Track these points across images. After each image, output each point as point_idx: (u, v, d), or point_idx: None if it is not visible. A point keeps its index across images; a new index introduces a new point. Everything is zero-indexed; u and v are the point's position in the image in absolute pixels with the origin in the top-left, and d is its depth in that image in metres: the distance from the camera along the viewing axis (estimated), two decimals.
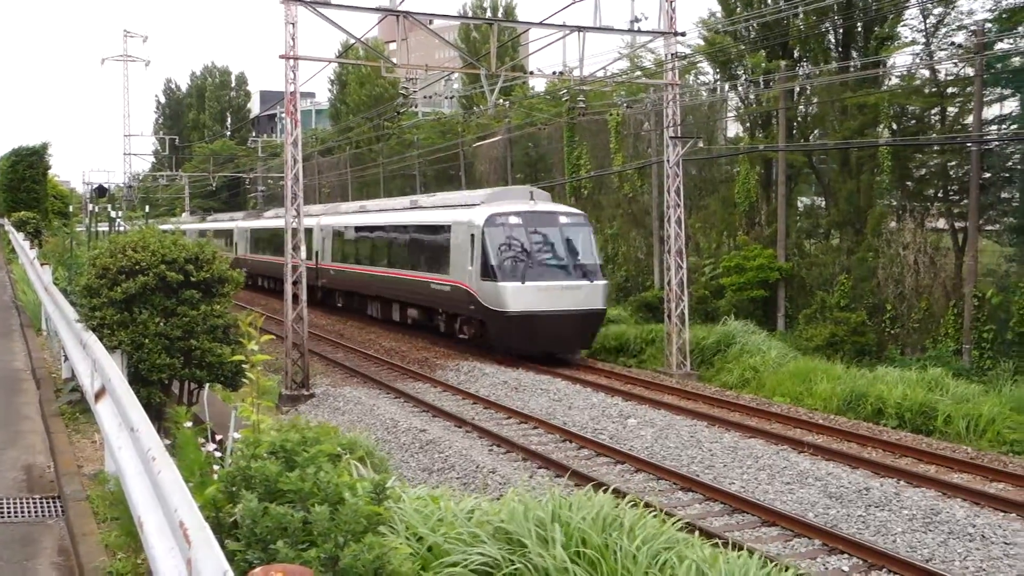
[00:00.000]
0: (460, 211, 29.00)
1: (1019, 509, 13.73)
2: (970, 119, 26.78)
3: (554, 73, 30.08)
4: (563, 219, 27.56)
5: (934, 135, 28.91)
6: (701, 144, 32.19)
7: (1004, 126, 27.67)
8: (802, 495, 14.44)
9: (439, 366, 26.99)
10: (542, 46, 28.04)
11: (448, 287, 28.54)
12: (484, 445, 17.98)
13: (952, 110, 29.18)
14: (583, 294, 26.29)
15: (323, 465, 5.87)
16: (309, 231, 41.13)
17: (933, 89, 29.10)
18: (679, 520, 8.40)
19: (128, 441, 7.04)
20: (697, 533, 9.71)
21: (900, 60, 32.27)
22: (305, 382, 23.95)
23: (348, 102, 74.15)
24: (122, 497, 6.94)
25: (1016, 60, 26.17)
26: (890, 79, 31.11)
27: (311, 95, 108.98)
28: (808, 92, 33.84)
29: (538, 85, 53.35)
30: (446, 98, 54.35)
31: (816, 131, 34.53)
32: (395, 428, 19.20)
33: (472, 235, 27.02)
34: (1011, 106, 27.56)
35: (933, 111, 29.67)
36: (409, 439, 18.27)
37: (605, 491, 8.48)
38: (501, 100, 39.56)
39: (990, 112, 27.92)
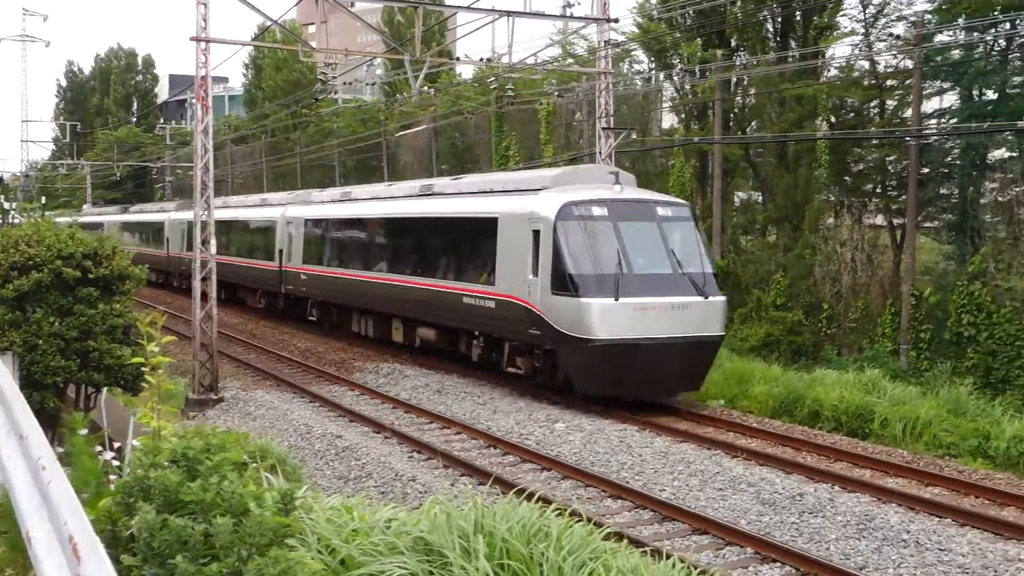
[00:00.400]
0: (513, 199, 23.36)
1: (954, 514, 14.08)
2: (909, 113, 27.35)
3: (482, 60, 30.05)
4: (662, 210, 22.03)
5: (873, 128, 29.52)
6: (635, 136, 32.46)
7: (943, 120, 28.35)
8: (734, 501, 14.64)
9: (357, 368, 26.87)
10: (470, 31, 27.92)
11: (492, 302, 22.82)
12: (404, 451, 17.95)
13: (891, 103, 29.85)
14: (696, 315, 20.73)
15: (228, 474, 5.85)
16: (271, 225, 37.80)
17: (872, 81, 29.71)
18: (607, 529, 8.48)
19: (17, 449, 6.93)
20: (625, 542, 9.80)
21: (839, 51, 32.98)
22: (214, 385, 23.69)
23: (264, 88, 73.68)
24: (10, 509, 6.82)
25: (956, 53, 26.79)
26: (829, 70, 31.70)
27: (224, 80, 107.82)
28: (745, 83, 34.34)
29: (465, 72, 53.43)
30: (368, 85, 54.10)
31: (753, 123, 35.06)
32: (309, 434, 19.08)
33: (536, 231, 21.42)
34: (951, 100, 28.26)
35: (872, 104, 30.29)
36: (324, 446, 18.17)
37: (530, 499, 8.52)
38: (426, 87, 39.45)
39: (929, 106, 28.61)
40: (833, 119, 31.47)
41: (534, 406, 21.36)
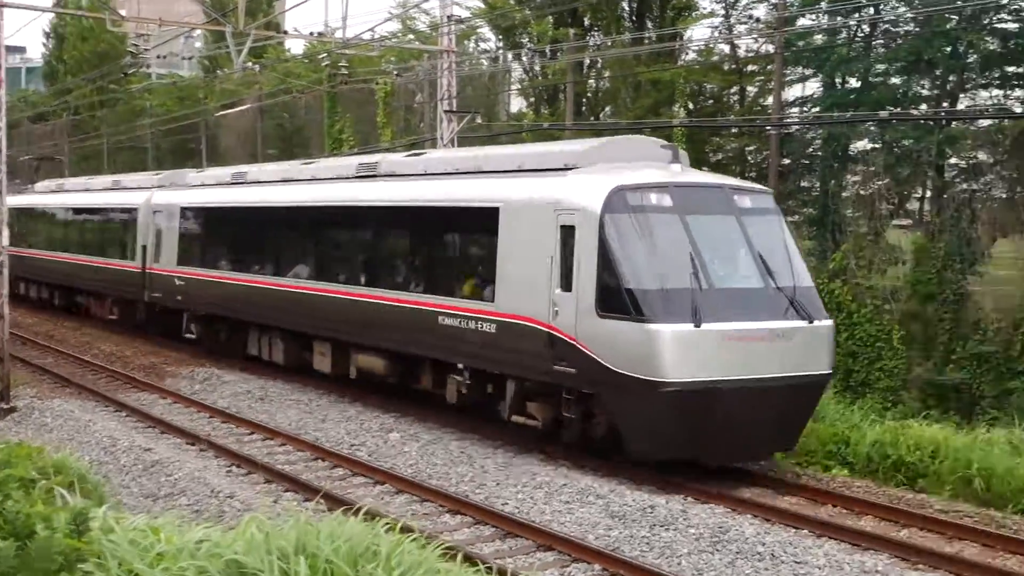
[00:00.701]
0: (525, 182, 18.33)
1: (810, 525, 14.59)
2: (770, 100, 28.23)
3: (313, 34, 29.86)
4: (740, 199, 17.41)
5: (732, 116, 30.37)
6: (480, 120, 32.68)
7: (805, 109, 29.35)
8: (582, 515, 14.87)
9: (169, 373, 26.42)
10: (300, 2, 27.78)
11: (492, 325, 18.06)
12: (221, 466, 17.74)
13: (752, 90, 30.79)
14: (799, 346, 16.37)
15: (12, 492, 5.73)
16: (131, 215, 32.56)
17: (732, 66, 30.55)
18: (443, 545, 8.54)
19: None
20: (461, 558, 9.88)
21: (698, 33, 33.83)
22: (5, 394, 23.04)
23: (66, 60, 71.59)
24: None
25: (818, 38, 27.73)
26: (687, 54, 32.48)
27: (21, 50, 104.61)
28: (599, 65, 34.91)
29: (295, 47, 52.93)
30: (185, 59, 53.17)
31: (607, 108, 35.65)
32: (114, 447, 18.71)
33: (569, 228, 16.69)
34: (813, 87, 29.28)
35: (732, 90, 31.17)
36: (131, 460, 17.84)
37: (359, 515, 8.52)
38: (250, 63, 38.92)
39: (791, 93, 29.59)
40: (691, 105, 32.26)
41: (366, 414, 21.32)
